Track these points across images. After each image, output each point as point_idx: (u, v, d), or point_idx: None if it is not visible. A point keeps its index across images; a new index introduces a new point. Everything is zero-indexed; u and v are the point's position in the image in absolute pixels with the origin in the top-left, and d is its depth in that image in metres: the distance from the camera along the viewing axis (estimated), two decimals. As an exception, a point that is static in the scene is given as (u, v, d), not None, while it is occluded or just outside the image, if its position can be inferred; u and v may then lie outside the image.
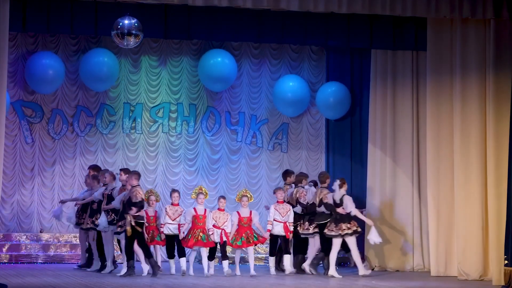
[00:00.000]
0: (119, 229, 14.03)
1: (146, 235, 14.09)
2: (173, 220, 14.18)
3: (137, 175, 14.26)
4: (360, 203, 15.96)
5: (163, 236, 14.25)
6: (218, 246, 14.32)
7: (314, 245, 15.06)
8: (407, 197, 15.93)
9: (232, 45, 17.74)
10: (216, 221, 14.16)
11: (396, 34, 15.63)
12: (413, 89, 16.02)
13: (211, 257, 14.23)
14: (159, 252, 14.69)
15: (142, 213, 13.88)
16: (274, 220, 14.58)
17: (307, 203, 15.08)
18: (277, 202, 14.78)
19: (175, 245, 14.37)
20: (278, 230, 14.58)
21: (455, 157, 14.53)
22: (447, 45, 14.79)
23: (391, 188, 15.98)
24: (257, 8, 14.00)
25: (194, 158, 17.86)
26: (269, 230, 14.55)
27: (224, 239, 14.09)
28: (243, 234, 14.23)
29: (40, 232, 16.85)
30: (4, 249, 16.21)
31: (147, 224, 14.16)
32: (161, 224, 14.24)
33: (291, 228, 14.61)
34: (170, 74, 17.86)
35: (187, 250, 14.56)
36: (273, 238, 14.72)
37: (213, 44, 17.58)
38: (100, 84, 17.01)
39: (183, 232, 14.07)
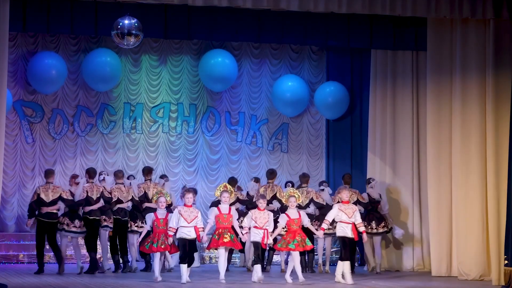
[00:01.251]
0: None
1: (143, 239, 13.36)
2: (189, 223, 12.62)
3: (47, 172, 14.52)
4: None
5: (170, 240, 12.88)
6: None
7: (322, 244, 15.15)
8: (407, 199, 15.92)
9: (232, 45, 17.75)
10: (256, 222, 12.88)
11: (396, 34, 15.63)
12: (413, 89, 16.01)
13: (259, 260, 12.97)
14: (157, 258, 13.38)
15: (42, 210, 14.07)
16: (340, 221, 13.07)
17: (326, 203, 14.97)
18: (342, 202, 13.33)
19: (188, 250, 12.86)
20: (346, 231, 13.04)
21: (455, 157, 14.51)
22: (447, 45, 14.76)
23: (391, 188, 15.96)
24: (257, 8, 13.98)
25: (193, 158, 17.87)
26: (323, 229, 13.19)
27: (265, 241, 12.82)
28: (296, 237, 12.85)
29: (41, 232, 16.84)
30: (4, 249, 16.21)
31: (150, 228, 13.17)
32: (172, 227, 12.66)
33: (362, 229, 13.16)
34: (171, 74, 17.88)
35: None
36: (342, 240, 13.14)
37: (213, 44, 17.59)
38: (103, 84, 17.04)
39: (204, 236, 12.80)
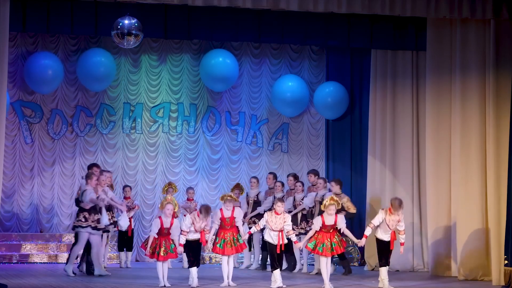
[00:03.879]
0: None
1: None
2: (196, 231, 12.48)
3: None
4: (360, 201, 16.12)
5: (180, 250, 12.58)
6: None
7: None
8: (407, 199, 15.89)
9: (232, 45, 17.75)
10: (271, 226, 12.46)
11: (396, 34, 15.63)
12: (413, 89, 16.02)
13: (276, 264, 12.50)
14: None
15: None
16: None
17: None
18: (389, 212, 12.70)
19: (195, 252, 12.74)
20: (382, 235, 12.82)
21: (454, 157, 14.52)
22: (447, 45, 14.78)
23: (391, 190, 15.94)
24: (257, 8, 13.99)
25: (194, 158, 17.87)
26: (366, 236, 12.65)
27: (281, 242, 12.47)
28: (325, 240, 12.43)
29: (40, 232, 16.85)
30: (4, 249, 16.21)
31: (156, 236, 12.52)
32: (184, 231, 12.47)
33: (402, 240, 12.85)
34: (171, 74, 17.87)
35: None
36: (378, 244, 12.89)
37: (214, 44, 17.60)
38: (97, 84, 17.02)
39: (209, 240, 12.64)
